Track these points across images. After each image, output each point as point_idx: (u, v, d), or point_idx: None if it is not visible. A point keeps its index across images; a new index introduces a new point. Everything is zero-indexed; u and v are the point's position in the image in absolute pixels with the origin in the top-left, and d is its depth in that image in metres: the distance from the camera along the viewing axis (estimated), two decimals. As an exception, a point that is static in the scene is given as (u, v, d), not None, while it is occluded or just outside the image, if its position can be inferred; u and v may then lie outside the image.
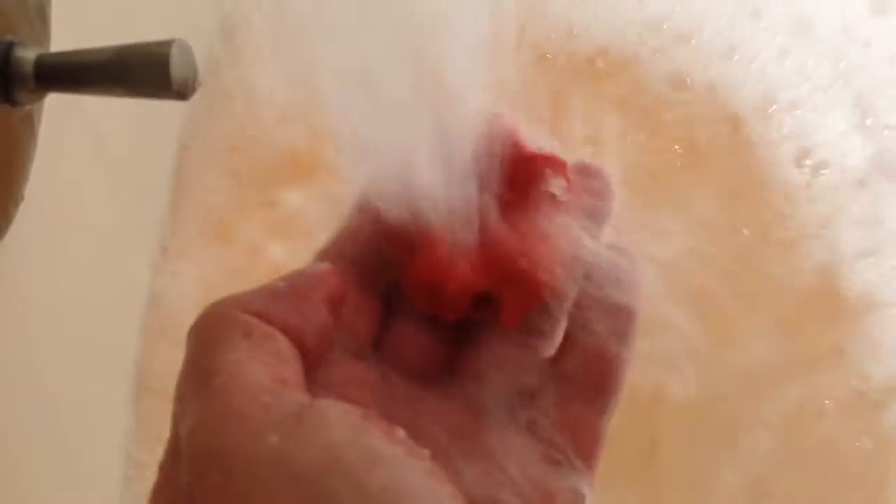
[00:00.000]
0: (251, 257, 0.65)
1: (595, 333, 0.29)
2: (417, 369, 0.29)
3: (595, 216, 0.30)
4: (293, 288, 0.26)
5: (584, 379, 0.28)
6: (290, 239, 0.66)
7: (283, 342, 0.25)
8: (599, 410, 0.28)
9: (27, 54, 0.36)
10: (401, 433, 0.23)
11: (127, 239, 0.62)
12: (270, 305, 0.25)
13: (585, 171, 0.31)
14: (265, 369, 0.24)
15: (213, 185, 0.66)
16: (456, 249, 0.29)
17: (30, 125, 0.40)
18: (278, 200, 0.67)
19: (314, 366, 0.26)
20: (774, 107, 0.78)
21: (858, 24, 0.78)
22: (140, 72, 0.34)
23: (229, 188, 0.66)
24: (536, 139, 0.30)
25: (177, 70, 0.34)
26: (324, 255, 0.30)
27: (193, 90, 0.35)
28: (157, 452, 0.24)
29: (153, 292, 0.63)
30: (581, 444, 0.28)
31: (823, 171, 0.76)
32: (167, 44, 0.34)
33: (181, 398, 0.24)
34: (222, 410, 0.23)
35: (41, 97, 0.38)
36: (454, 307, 0.29)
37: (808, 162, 0.76)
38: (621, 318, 0.29)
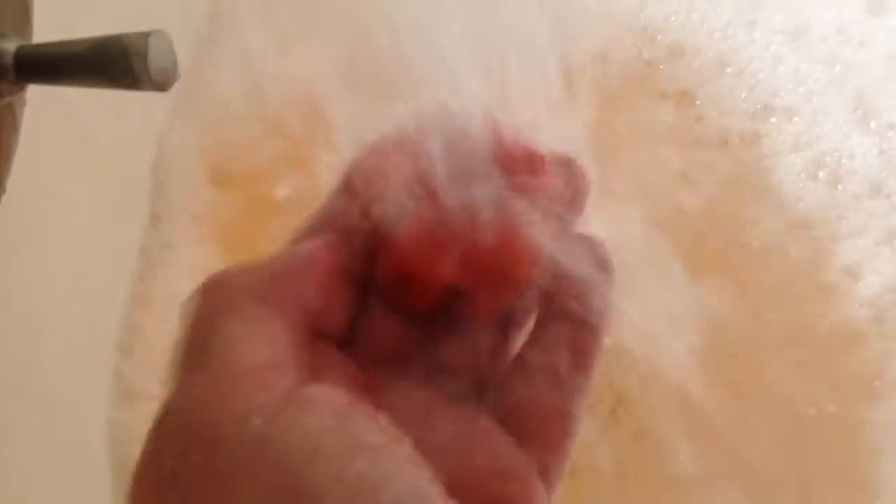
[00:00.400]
0: (239, 247, 0.65)
1: (566, 322, 0.29)
2: (391, 356, 0.29)
3: (570, 207, 0.30)
4: (289, 267, 0.27)
5: (554, 367, 0.28)
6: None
7: (278, 323, 0.25)
8: (569, 398, 0.28)
9: (7, 46, 0.36)
10: (384, 420, 0.23)
11: (111, 230, 0.62)
12: (266, 284, 0.26)
13: (561, 162, 0.31)
14: (258, 350, 0.24)
15: (198, 175, 0.66)
16: (429, 239, 0.29)
17: (11, 117, 0.40)
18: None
19: (307, 347, 0.26)
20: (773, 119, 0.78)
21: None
22: (119, 63, 0.34)
23: (213, 180, 0.67)
24: (516, 133, 0.30)
25: (155, 61, 0.34)
26: (300, 236, 0.29)
27: (173, 81, 0.35)
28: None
29: (138, 282, 0.63)
30: (551, 432, 0.28)
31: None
32: (145, 35, 0.34)
33: (173, 374, 0.24)
34: (210, 389, 0.23)
35: (21, 89, 0.38)
36: (425, 298, 0.29)
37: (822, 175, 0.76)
38: (593, 308, 0.29)
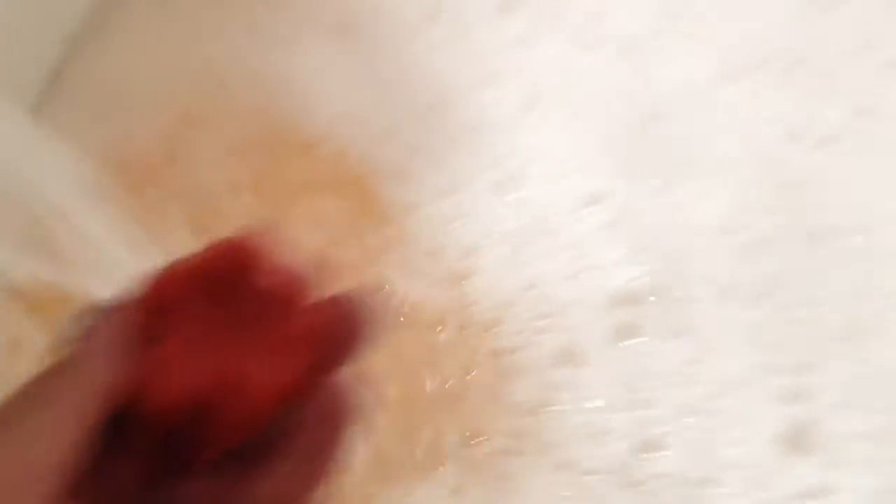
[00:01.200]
0: None
1: (287, 473, 0.28)
2: (124, 496, 0.28)
3: (333, 350, 0.29)
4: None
5: None
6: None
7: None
8: None
9: None
10: None
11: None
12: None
13: (340, 302, 0.29)
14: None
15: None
16: (161, 370, 0.28)
17: None
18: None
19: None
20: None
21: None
22: None
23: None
24: (284, 260, 0.29)
25: None
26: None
27: None
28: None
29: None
30: None
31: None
32: None
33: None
34: None
35: None
36: (158, 418, 0.28)
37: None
38: (318, 467, 0.28)
